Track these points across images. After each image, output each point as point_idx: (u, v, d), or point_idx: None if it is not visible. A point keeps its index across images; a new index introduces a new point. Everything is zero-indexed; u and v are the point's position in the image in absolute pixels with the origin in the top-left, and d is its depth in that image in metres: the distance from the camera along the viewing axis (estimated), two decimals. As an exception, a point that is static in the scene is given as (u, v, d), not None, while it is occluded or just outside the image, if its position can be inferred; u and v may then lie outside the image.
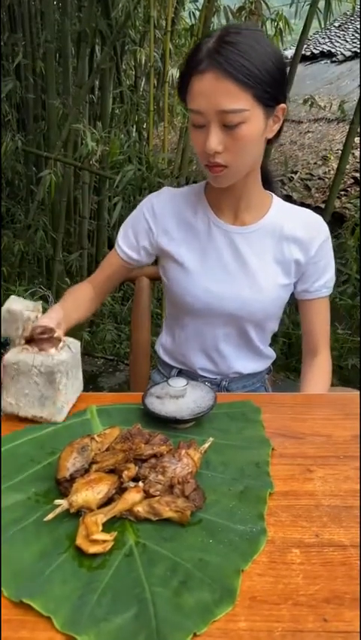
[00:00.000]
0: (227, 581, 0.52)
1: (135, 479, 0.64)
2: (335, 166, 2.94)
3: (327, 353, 1.10)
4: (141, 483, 0.63)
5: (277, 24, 2.55)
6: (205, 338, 1.07)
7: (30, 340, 0.79)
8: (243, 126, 0.84)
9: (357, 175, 3.78)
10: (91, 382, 2.67)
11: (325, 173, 4.18)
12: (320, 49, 7.01)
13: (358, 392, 0.93)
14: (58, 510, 0.59)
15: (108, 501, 0.61)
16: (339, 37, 7.34)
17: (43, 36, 2.74)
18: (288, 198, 3.35)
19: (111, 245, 1.11)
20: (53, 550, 0.56)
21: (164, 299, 1.13)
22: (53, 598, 0.50)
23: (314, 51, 7.00)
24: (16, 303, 0.82)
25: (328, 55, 6.81)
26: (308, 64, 6.77)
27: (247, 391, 1.13)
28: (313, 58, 6.95)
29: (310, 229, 1.02)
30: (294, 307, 1.11)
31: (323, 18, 2.32)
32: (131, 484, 0.63)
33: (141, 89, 3.64)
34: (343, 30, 7.55)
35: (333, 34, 7.54)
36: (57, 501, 0.60)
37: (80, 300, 1.06)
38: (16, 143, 2.62)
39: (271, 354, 1.15)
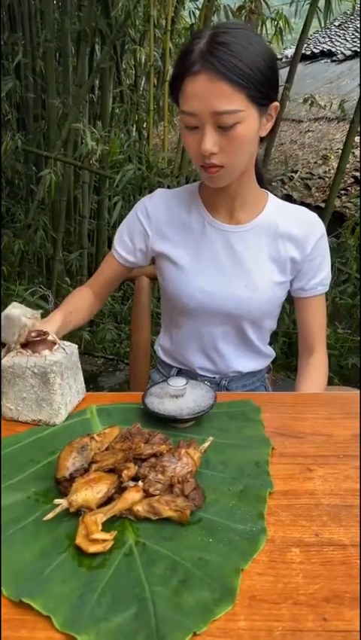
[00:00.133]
0: (227, 580, 0.52)
1: (135, 478, 0.64)
2: (335, 165, 2.94)
3: (323, 351, 1.10)
4: (140, 483, 0.63)
5: (277, 23, 2.55)
6: (203, 337, 1.07)
7: (25, 344, 0.80)
8: (238, 126, 0.84)
9: (357, 174, 3.78)
10: (91, 382, 2.67)
11: (325, 172, 4.17)
12: (320, 48, 7.01)
13: (358, 391, 0.93)
14: (57, 510, 0.59)
15: (108, 501, 0.61)
16: (339, 36, 7.33)
17: (43, 35, 2.74)
18: (288, 197, 3.35)
19: (111, 244, 1.12)
20: (53, 550, 0.56)
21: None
22: (53, 598, 0.50)
23: (314, 50, 6.99)
24: (15, 309, 0.82)
25: (328, 54, 6.80)
26: (308, 63, 6.77)
27: (246, 390, 1.13)
28: (313, 57, 6.94)
29: (306, 226, 1.02)
30: (294, 306, 1.11)
31: (323, 17, 2.32)
32: (131, 483, 0.63)
33: (141, 89, 3.64)
34: (343, 29, 7.54)
35: (333, 33, 7.53)
36: (57, 501, 0.60)
37: (79, 305, 1.07)
38: (16, 142, 2.62)
39: (271, 352, 1.15)
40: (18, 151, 2.86)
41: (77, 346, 0.86)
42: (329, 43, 7.14)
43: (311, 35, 7.23)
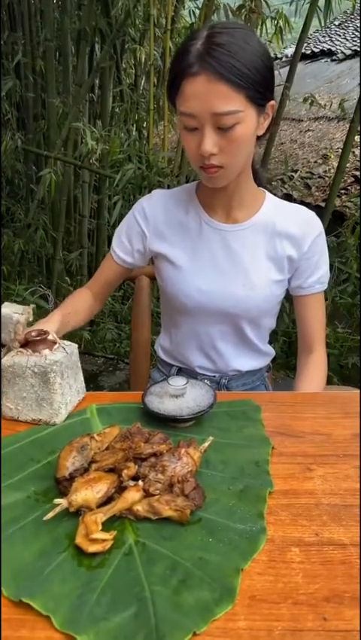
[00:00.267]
0: (227, 580, 0.52)
1: (135, 478, 0.64)
2: (335, 164, 2.94)
3: (322, 349, 1.10)
4: (140, 482, 0.63)
5: (277, 22, 2.55)
6: (201, 337, 1.07)
7: (25, 344, 0.80)
8: (237, 126, 0.84)
9: (357, 173, 3.78)
10: (91, 381, 2.67)
11: (325, 172, 4.17)
12: (320, 47, 7.01)
13: (358, 391, 0.93)
14: (57, 509, 0.59)
15: (108, 500, 0.61)
16: (339, 35, 7.33)
17: (42, 35, 2.74)
18: (288, 197, 3.35)
19: (111, 244, 1.12)
20: (53, 549, 0.56)
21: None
22: (53, 598, 0.50)
23: (314, 50, 6.99)
24: (5, 308, 0.83)
25: (328, 53, 6.80)
26: (308, 62, 6.77)
27: (246, 389, 1.13)
28: (313, 56, 6.94)
29: (303, 225, 1.02)
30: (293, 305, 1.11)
31: (323, 16, 2.32)
32: (131, 483, 0.63)
33: (141, 88, 3.64)
34: (343, 28, 7.54)
35: (333, 32, 7.53)
36: (56, 500, 0.60)
37: (78, 306, 1.07)
38: (16, 142, 2.62)
39: (270, 351, 1.15)
40: (18, 151, 2.86)
41: (77, 346, 0.86)
42: (329, 42, 7.14)
43: (311, 34, 7.23)
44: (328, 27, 7.42)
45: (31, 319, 0.84)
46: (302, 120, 5.32)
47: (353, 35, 7.07)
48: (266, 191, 1.06)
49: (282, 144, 5.01)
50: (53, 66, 2.74)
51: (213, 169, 0.88)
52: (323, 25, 2.73)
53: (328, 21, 2.63)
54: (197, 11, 2.88)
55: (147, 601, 0.50)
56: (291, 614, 0.49)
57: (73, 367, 0.83)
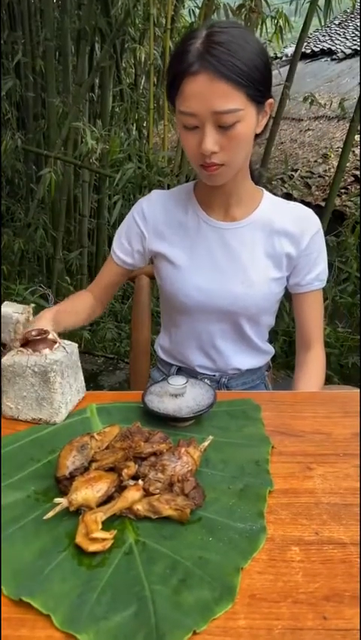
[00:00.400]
0: (227, 579, 0.52)
1: (135, 477, 0.64)
2: (335, 163, 2.93)
3: (321, 347, 1.11)
4: (140, 481, 0.63)
5: (277, 21, 2.54)
6: (201, 335, 1.07)
7: (25, 343, 0.80)
8: (237, 125, 0.84)
9: (357, 172, 3.77)
10: (91, 381, 2.68)
11: (325, 171, 4.17)
12: (320, 47, 7.01)
13: (358, 390, 0.93)
14: (57, 509, 0.59)
15: (108, 500, 0.61)
16: (339, 34, 7.32)
17: (42, 34, 2.74)
18: (288, 196, 3.35)
19: (111, 243, 1.13)
20: (53, 548, 0.56)
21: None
22: (53, 597, 0.50)
23: (314, 49, 6.99)
24: (5, 308, 0.83)
25: (328, 53, 6.80)
26: (308, 62, 6.77)
27: (246, 388, 1.13)
28: (313, 56, 6.94)
29: (301, 222, 1.02)
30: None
31: (323, 16, 2.32)
32: (131, 482, 0.63)
33: (141, 88, 3.64)
34: (343, 28, 7.54)
35: (333, 31, 7.53)
36: (57, 500, 0.60)
37: (78, 306, 1.08)
38: (16, 141, 2.63)
39: (270, 349, 1.15)
40: (18, 150, 2.86)
41: (77, 345, 0.86)
42: (329, 41, 7.14)
43: (311, 34, 7.23)
44: (328, 26, 7.42)
45: (31, 319, 0.84)
46: (302, 120, 5.32)
47: (353, 34, 7.07)
48: (264, 189, 1.06)
49: (282, 143, 5.01)
50: (53, 66, 2.74)
51: (213, 167, 0.88)
52: (323, 24, 2.72)
53: (328, 20, 2.63)
54: (197, 10, 2.87)
55: (147, 600, 0.50)
56: (291, 613, 0.49)
57: (73, 366, 0.83)
